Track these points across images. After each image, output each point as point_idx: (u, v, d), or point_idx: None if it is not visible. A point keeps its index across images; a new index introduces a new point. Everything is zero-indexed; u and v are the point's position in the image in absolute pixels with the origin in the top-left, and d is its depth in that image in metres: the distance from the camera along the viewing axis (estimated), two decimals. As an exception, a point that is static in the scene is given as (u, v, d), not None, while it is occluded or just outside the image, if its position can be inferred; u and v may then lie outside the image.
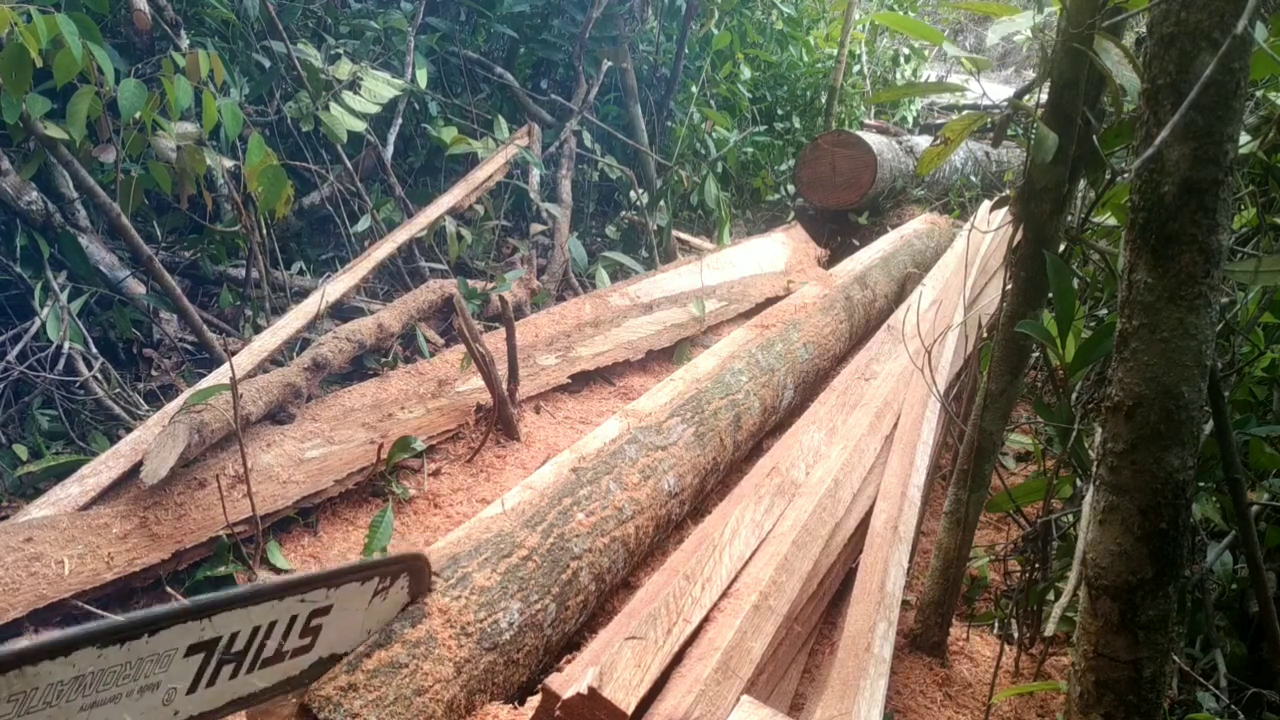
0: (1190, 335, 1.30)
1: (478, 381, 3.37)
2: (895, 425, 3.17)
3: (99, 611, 2.24)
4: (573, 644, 2.41)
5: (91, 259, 3.33)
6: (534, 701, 1.83)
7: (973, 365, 3.18)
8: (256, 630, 1.44)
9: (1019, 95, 2.20)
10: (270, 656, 1.49)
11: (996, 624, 2.73)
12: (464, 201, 4.45)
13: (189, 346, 3.54)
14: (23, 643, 1.14)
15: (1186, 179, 1.26)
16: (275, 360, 3.25)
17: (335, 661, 1.70)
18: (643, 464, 2.76)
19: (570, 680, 1.79)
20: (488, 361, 3.17)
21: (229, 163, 3.62)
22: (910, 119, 9.76)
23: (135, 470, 2.50)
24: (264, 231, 3.77)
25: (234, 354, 3.02)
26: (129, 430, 2.90)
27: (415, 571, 1.88)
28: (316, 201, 4.39)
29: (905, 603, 2.53)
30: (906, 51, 9.59)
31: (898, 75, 9.53)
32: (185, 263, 3.83)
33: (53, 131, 3.04)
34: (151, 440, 2.50)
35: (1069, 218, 2.07)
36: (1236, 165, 1.49)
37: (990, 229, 5.16)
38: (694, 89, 6.46)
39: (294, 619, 1.52)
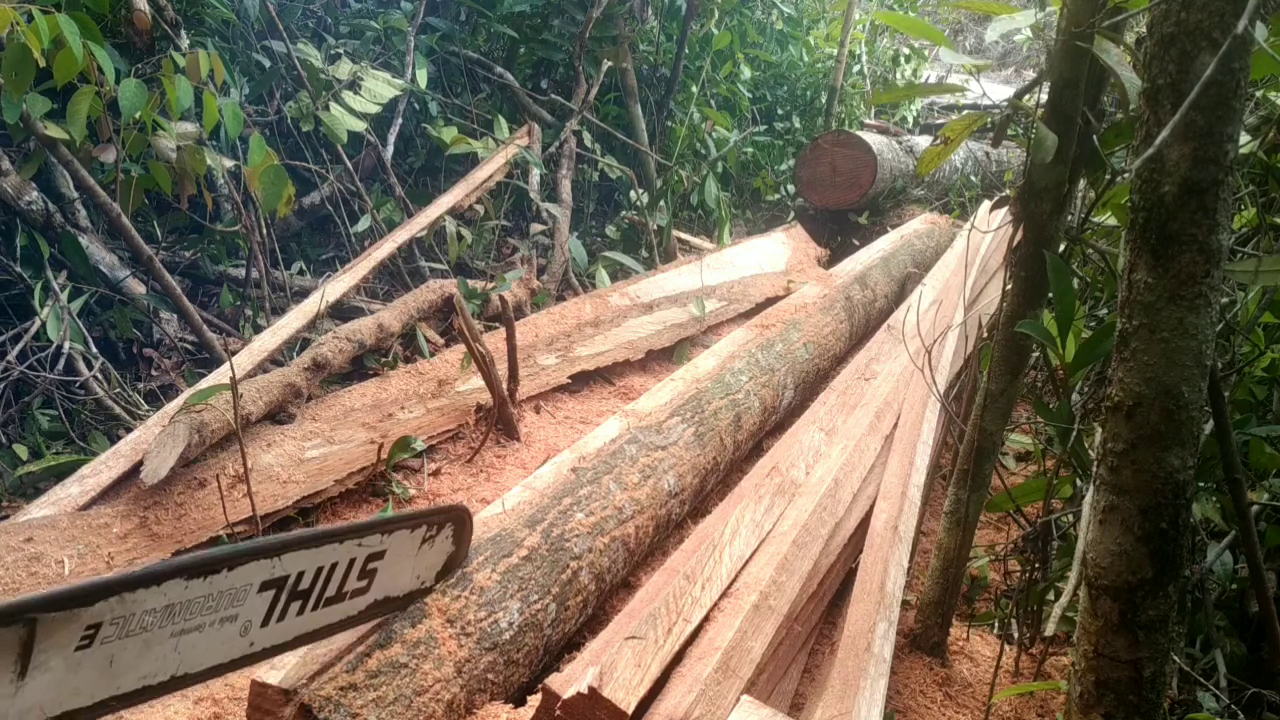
0: (1190, 335, 1.30)
1: (478, 381, 3.37)
2: (895, 425, 3.17)
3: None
4: (573, 644, 2.41)
5: (91, 259, 3.33)
6: (534, 701, 1.82)
7: (973, 365, 3.18)
8: (320, 570, 1.55)
9: (1019, 95, 2.20)
10: (332, 596, 1.61)
11: (996, 624, 2.73)
12: (464, 201, 4.44)
13: (189, 346, 3.54)
14: (121, 572, 1.24)
15: (1186, 179, 1.26)
16: (275, 360, 3.25)
17: (388, 604, 1.81)
18: (643, 464, 2.76)
19: (570, 680, 1.79)
20: (488, 361, 3.17)
21: (229, 163, 3.62)
22: (910, 119, 9.77)
23: (135, 470, 2.50)
24: (264, 231, 3.77)
25: (234, 354, 3.02)
26: (129, 430, 2.90)
27: (459, 522, 1.96)
28: (316, 201, 4.39)
29: (905, 603, 2.53)
30: (906, 51, 9.59)
31: (898, 75, 9.53)
32: (185, 263, 3.84)
33: (53, 131, 3.04)
34: (151, 440, 2.50)
35: (1069, 218, 2.07)
36: (1236, 165, 1.49)
37: (990, 229, 5.16)
38: (694, 89, 6.46)
39: (353, 562, 1.63)
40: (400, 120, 4.77)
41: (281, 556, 1.45)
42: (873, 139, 6.39)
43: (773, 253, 5.34)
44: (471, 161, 4.73)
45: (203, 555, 1.33)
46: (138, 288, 3.43)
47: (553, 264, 4.79)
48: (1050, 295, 2.05)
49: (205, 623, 1.35)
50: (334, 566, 1.58)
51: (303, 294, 3.89)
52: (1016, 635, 2.58)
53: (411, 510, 1.88)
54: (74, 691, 1.19)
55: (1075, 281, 2.22)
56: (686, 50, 6.32)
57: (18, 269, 3.14)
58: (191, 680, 1.36)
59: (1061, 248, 2.09)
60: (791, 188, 7.10)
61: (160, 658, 1.30)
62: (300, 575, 1.50)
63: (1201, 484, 2.32)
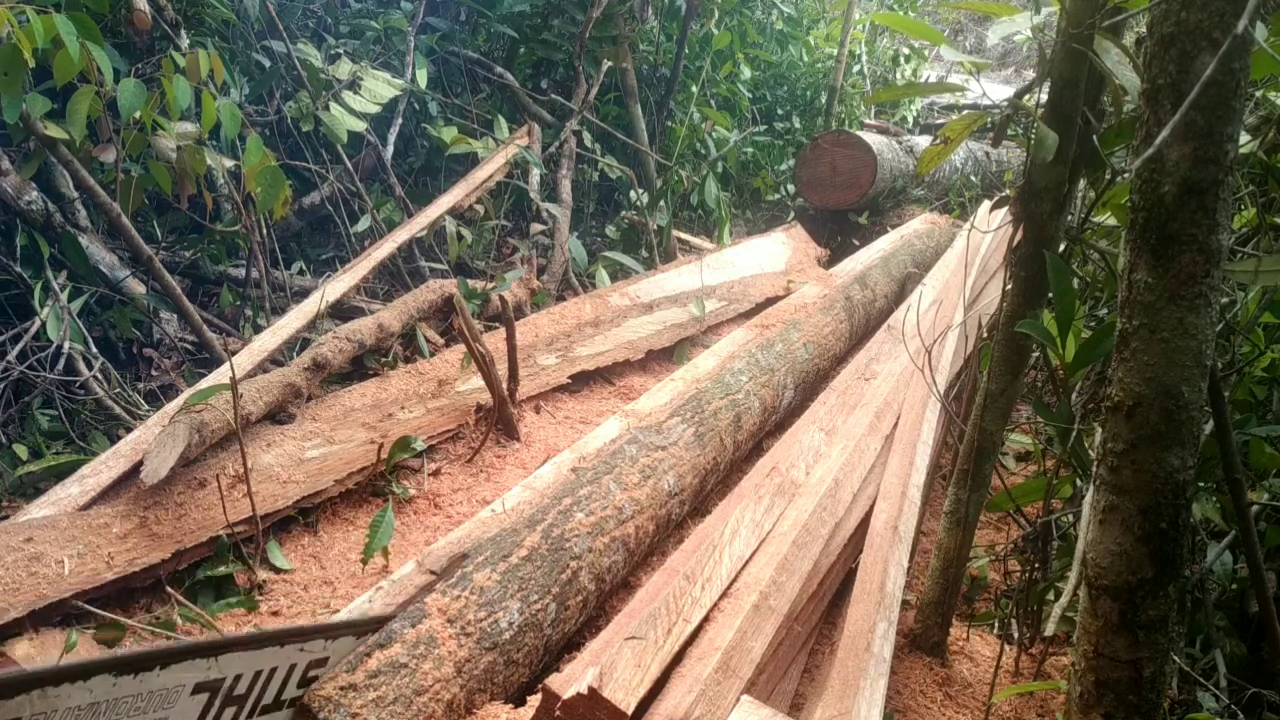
0: (1190, 335, 1.30)
1: (478, 381, 3.37)
2: (895, 425, 3.17)
3: (99, 612, 2.24)
4: (573, 644, 2.42)
5: (91, 259, 3.33)
6: (534, 701, 1.83)
7: (973, 365, 3.18)
8: (258, 675, 1.46)
9: (1019, 95, 2.20)
10: (269, 704, 1.52)
11: (996, 624, 2.73)
12: (464, 201, 4.44)
13: (189, 346, 3.53)
14: (45, 665, 1.15)
15: (1186, 179, 1.26)
16: (275, 360, 3.25)
17: None
18: (643, 464, 2.77)
19: (570, 680, 1.79)
20: (488, 361, 3.17)
21: (229, 163, 3.62)
22: (910, 119, 9.77)
23: (135, 470, 2.50)
24: (264, 231, 3.77)
25: (234, 354, 3.02)
26: (129, 430, 2.89)
27: None
28: (316, 201, 4.39)
29: (905, 603, 2.53)
30: (906, 51, 9.60)
31: (898, 75, 9.54)
32: (185, 263, 3.83)
33: (53, 131, 3.04)
34: (151, 440, 2.50)
35: (1069, 218, 2.07)
36: (1236, 165, 1.49)
37: (990, 229, 5.16)
38: (694, 89, 6.46)
39: (293, 668, 1.54)
40: (400, 120, 4.77)
41: (219, 658, 1.37)
42: (873, 139, 6.39)
43: (773, 253, 5.34)
44: (471, 161, 4.73)
45: (134, 652, 1.25)
46: (138, 288, 3.43)
47: (553, 264, 4.79)
48: (1050, 295, 2.06)
49: None
50: (273, 671, 1.49)
51: (303, 294, 3.89)
52: (1016, 635, 2.58)
53: (356, 618, 1.79)
54: None
55: (1075, 281, 2.22)
56: (686, 50, 6.32)
57: (18, 269, 3.13)
58: None
59: (1061, 248, 2.09)
60: (791, 188, 7.10)
61: None
62: (237, 679, 1.41)
63: (1201, 484, 2.32)
